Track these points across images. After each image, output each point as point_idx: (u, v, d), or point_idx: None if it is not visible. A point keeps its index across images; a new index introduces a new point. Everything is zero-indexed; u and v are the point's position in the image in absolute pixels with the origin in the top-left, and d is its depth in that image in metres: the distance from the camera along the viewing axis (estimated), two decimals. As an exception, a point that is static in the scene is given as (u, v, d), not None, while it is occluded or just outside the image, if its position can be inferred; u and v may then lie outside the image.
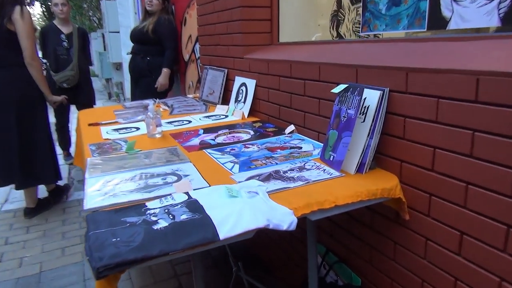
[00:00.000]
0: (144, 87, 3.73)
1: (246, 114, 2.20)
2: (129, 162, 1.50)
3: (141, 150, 1.67)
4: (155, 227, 0.94)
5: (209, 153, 1.60)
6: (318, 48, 1.78)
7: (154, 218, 0.98)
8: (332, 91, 1.40)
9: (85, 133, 2.06)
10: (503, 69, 0.93)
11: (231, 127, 2.02)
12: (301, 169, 1.34)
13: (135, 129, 2.08)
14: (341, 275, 1.58)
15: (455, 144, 1.07)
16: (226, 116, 2.28)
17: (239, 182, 1.24)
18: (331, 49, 1.67)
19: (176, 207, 1.04)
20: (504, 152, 0.95)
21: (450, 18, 1.21)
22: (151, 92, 3.62)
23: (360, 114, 1.30)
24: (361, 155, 1.29)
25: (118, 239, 0.89)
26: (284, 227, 1.00)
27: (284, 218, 1.01)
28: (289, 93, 1.85)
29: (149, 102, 1.95)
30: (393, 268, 1.35)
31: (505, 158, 0.95)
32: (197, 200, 1.07)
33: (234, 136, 1.84)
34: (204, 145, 1.72)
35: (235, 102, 2.36)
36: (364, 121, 1.29)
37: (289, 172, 1.32)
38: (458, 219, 1.09)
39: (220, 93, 2.56)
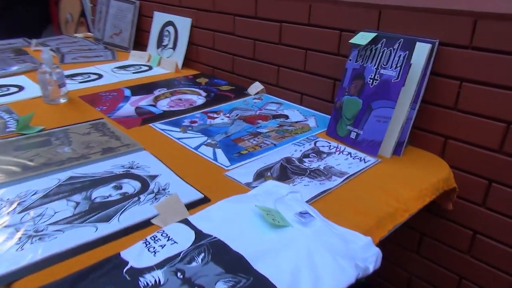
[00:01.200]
0: (8, 21, 2.68)
1: (180, 65, 1.66)
2: (36, 154, 0.90)
3: (45, 129, 1.06)
4: (179, 325, 0.47)
5: (162, 130, 1.08)
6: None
7: (167, 302, 0.50)
8: (351, 41, 1.00)
9: None
10: None
11: (168, 84, 1.47)
12: (318, 154, 0.96)
13: (16, 89, 1.37)
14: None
15: (549, 120, 0.81)
16: (150, 68, 1.69)
17: (251, 185, 0.80)
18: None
19: (194, 263, 0.56)
20: None
21: None
22: (19, 28, 2.61)
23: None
24: (399, 132, 0.96)
25: None
26: (371, 268, 0.63)
27: (366, 254, 0.64)
28: (252, 39, 1.38)
29: (44, 49, 1.27)
30: (415, 262, 1.12)
31: None
32: (221, 241, 0.61)
33: (181, 100, 1.32)
34: (144, 115, 1.18)
35: (158, 47, 1.77)
36: (404, 85, 0.95)
37: (306, 160, 0.92)
38: (533, 212, 0.88)
39: (131, 34, 1.91)
